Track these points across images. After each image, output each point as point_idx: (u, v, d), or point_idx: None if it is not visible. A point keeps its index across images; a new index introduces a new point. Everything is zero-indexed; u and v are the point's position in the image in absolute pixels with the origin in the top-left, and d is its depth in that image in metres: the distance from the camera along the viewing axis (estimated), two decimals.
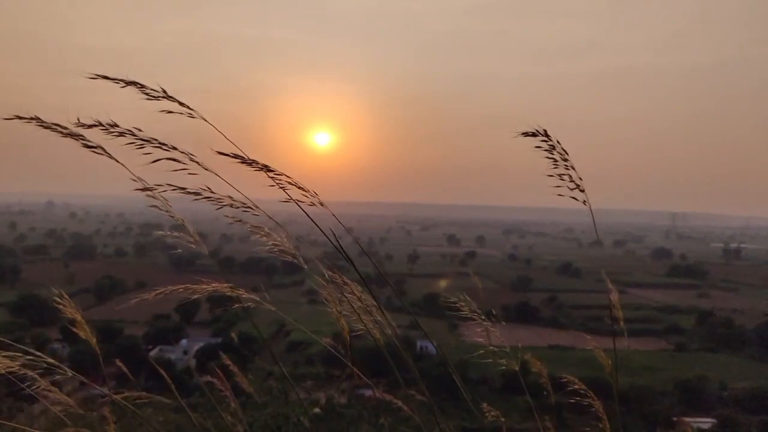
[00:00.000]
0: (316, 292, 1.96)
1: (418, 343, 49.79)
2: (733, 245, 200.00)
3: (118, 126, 1.69)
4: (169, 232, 1.89)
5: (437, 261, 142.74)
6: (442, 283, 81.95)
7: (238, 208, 1.79)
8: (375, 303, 1.98)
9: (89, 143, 1.69)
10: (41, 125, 1.66)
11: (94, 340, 2.06)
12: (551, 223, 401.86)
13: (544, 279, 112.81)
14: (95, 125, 1.67)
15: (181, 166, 1.70)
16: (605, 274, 2.26)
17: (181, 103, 1.70)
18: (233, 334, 35.85)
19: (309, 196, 1.82)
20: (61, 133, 1.68)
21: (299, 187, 1.81)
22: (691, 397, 44.28)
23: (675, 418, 35.10)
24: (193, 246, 1.86)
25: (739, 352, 63.92)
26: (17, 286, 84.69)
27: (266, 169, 1.77)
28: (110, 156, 1.71)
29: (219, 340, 53.16)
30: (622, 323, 2.17)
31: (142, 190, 1.71)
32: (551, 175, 1.91)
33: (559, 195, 1.90)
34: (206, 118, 1.71)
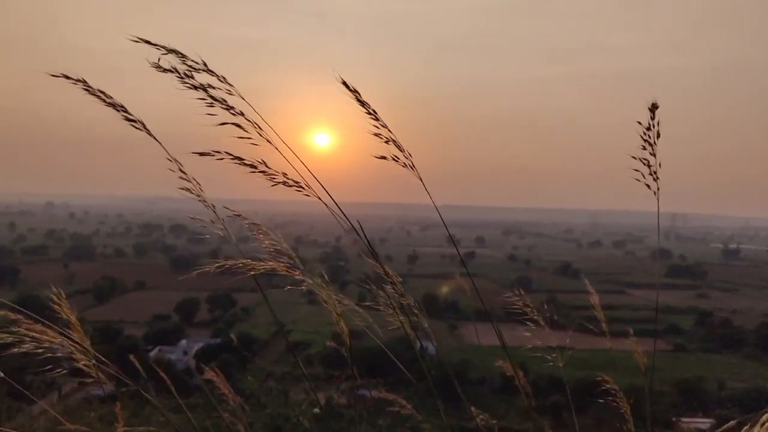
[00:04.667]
0: (315, 293, 1.91)
1: (418, 344, 49.87)
2: (732, 246, 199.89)
3: (192, 77, 1.62)
4: (197, 217, 1.81)
5: (437, 261, 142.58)
6: (444, 287, 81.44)
7: (291, 186, 1.73)
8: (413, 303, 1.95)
9: (130, 116, 1.64)
10: (86, 89, 1.61)
11: (88, 342, 2.04)
12: (551, 223, 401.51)
13: (543, 279, 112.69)
14: (170, 71, 1.59)
15: (244, 134, 1.65)
16: (587, 281, 2.28)
17: (221, 79, 1.62)
18: (233, 335, 35.84)
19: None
20: (105, 101, 1.63)
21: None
22: (690, 397, 44.27)
23: (674, 419, 35.06)
24: (221, 233, 1.80)
25: (738, 352, 63.93)
26: (17, 286, 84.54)
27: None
28: (149, 132, 1.65)
29: (219, 340, 53.15)
30: (604, 325, 2.20)
31: (202, 154, 1.61)
32: (634, 157, 1.84)
33: (636, 180, 1.84)
34: (243, 97, 1.64)
